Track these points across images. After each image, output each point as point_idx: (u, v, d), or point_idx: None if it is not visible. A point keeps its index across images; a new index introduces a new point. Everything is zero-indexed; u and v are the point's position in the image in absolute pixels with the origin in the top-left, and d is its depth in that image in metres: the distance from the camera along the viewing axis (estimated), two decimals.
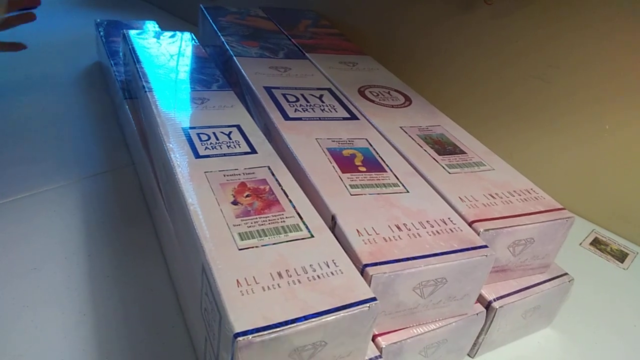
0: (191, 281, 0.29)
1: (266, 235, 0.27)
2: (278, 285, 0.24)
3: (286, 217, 0.28)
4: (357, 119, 0.41)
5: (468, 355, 0.34)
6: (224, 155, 0.33)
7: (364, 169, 0.34)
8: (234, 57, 0.50)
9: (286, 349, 0.22)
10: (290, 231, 0.27)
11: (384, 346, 0.27)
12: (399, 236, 0.28)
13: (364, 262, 0.26)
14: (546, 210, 0.33)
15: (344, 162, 0.34)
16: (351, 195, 0.31)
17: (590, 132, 0.48)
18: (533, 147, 0.53)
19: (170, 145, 0.34)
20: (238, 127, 0.37)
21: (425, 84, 0.60)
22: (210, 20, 0.61)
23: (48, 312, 0.33)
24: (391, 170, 0.34)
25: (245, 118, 0.39)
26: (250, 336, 0.21)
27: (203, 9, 0.65)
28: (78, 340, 0.31)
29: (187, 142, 0.34)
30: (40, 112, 0.58)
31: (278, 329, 0.22)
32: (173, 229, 0.34)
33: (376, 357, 0.27)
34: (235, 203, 0.29)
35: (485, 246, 0.29)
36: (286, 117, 0.39)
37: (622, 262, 0.46)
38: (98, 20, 0.72)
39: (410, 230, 0.29)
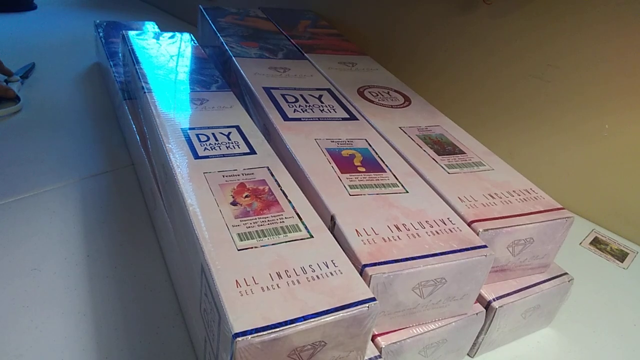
0: (190, 282, 0.29)
1: (265, 236, 0.27)
2: (277, 285, 0.24)
3: (285, 218, 0.28)
4: (357, 119, 0.41)
5: (468, 355, 0.34)
6: (223, 156, 0.33)
7: (363, 169, 0.34)
8: (233, 58, 0.50)
9: (285, 349, 0.22)
10: (290, 232, 0.27)
11: (383, 346, 0.27)
12: (398, 236, 0.28)
13: (363, 263, 0.26)
14: (546, 210, 0.33)
15: (343, 163, 0.34)
16: (350, 195, 0.31)
17: (590, 132, 0.48)
18: (532, 146, 0.53)
19: (170, 146, 0.34)
20: (237, 127, 0.37)
21: (424, 84, 0.60)
22: (210, 21, 0.61)
23: (48, 312, 0.33)
24: (390, 171, 0.34)
25: (245, 119, 0.39)
26: (249, 336, 0.21)
27: (202, 10, 0.65)
28: (78, 340, 0.31)
29: (187, 142, 0.34)
30: (39, 113, 0.58)
31: (277, 329, 0.22)
32: (172, 229, 0.34)
33: (376, 357, 0.27)
34: (234, 204, 0.29)
35: (485, 246, 0.29)
36: (285, 118, 0.39)
37: (622, 262, 0.46)
38: (97, 21, 0.72)
39: (409, 230, 0.29)
